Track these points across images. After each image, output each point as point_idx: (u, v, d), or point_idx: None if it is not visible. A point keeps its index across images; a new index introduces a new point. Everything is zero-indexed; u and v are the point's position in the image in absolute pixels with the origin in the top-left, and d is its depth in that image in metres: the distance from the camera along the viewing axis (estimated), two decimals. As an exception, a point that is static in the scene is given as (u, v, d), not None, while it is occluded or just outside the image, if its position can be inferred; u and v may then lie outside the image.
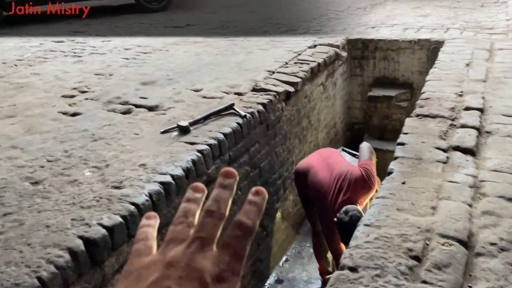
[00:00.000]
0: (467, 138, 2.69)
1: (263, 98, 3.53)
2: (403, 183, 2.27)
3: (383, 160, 3.99)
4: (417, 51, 5.17)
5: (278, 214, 4.00)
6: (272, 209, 3.85)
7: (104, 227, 2.00)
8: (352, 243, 1.87)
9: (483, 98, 3.30)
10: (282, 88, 3.79)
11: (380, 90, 5.31)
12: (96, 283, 1.97)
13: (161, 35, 6.23)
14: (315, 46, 5.03)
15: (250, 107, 3.34)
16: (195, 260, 0.43)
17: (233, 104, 3.25)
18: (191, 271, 0.42)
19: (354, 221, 2.75)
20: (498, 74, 3.82)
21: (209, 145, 2.77)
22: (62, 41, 5.92)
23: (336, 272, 1.72)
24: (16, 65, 4.80)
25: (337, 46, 5.05)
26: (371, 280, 1.63)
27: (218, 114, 3.16)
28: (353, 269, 1.70)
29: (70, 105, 3.56)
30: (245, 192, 3.31)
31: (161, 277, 0.42)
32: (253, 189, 0.49)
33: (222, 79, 4.03)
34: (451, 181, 2.27)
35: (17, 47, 5.62)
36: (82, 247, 1.89)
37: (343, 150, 4.31)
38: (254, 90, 3.71)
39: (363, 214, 2.88)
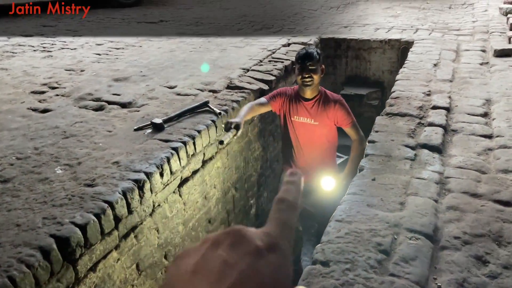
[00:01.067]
0: (434, 136, 2.79)
1: (238, 95, 3.55)
2: (373, 179, 2.34)
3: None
4: (387, 51, 5.30)
5: (253, 211, 4.04)
6: (246, 206, 3.88)
7: (76, 225, 1.98)
8: (323, 238, 1.92)
9: (450, 97, 3.42)
10: (256, 86, 3.82)
11: (352, 89, 5.42)
12: (68, 282, 1.96)
13: (134, 30, 6.15)
14: (289, 44, 5.09)
15: (225, 105, 3.35)
16: (245, 230, 0.43)
17: (207, 102, 3.26)
18: (241, 238, 0.42)
19: (310, 48, 3.24)
20: (463, 74, 3.97)
21: (184, 142, 2.77)
22: (31, 35, 5.77)
23: (308, 267, 1.77)
24: (-18, 60, 4.64)
25: (311, 45, 5.11)
26: (342, 274, 1.68)
27: (192, 111, 3.16)
28: (324, 264, 1.75)
29: (40, 101, 3.48)
30: (219, 189, 3.33)
31: (211, 247, 0.42)
32: (289, 171, 0.53)
33: (196, 76, 4.02)
34: (418, 178, 2.35)
35: (-18, 40, 5.44)
36: (54, 246, 1.87)
37: None
38: (228, 87, 3.73)
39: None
